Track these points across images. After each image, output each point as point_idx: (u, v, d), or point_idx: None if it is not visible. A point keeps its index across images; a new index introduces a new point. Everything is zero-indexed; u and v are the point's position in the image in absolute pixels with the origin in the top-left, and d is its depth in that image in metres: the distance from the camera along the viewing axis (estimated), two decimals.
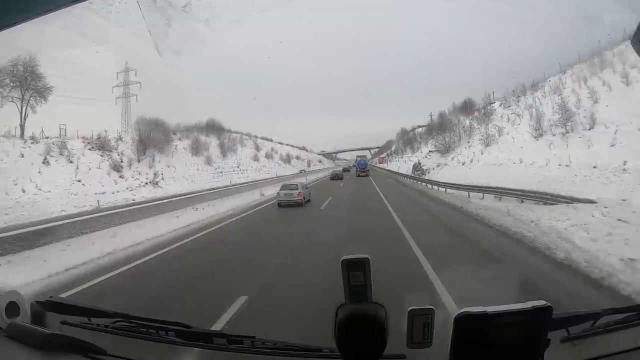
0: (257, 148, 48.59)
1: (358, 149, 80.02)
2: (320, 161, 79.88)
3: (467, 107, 36.34)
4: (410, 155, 45.15)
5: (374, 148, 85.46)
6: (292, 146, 68.60)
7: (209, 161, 33.21)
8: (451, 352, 0.79)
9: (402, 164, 42.29)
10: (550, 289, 4.25)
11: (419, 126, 49.52)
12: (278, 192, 14.42)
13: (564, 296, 4.02)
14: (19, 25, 1.12)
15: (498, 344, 0.77)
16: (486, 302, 0.80)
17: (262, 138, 55.89)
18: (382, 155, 65.66)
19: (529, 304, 0.77)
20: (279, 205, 14.02)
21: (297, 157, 63.39)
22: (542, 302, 0.77)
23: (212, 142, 37.21)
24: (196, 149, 32.84)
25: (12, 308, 1.22)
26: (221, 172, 32.49)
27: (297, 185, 14.91)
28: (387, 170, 47.03)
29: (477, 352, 0.78)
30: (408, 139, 51.79)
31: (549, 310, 0.77)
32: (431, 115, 42.38)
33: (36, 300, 1.31)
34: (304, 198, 14.17)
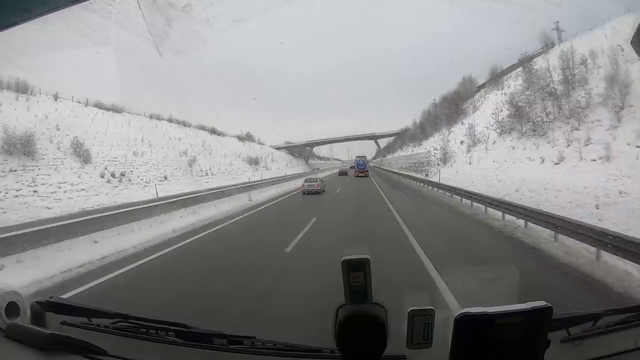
0: None
1: (355, 139, 52.70)
2: (229, 167, 33.30)
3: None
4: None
5: (386, 136, 52.47)
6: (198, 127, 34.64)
7: None
8: (451, 353, 0.79)
9: None
10: None
11: (509, 68, 27.09)
12: (303, 184, 19.42)
13: None
14: (18, 25, 1.12)
15: (498, 345, 0.77)
16: (486, 302, 0.80)
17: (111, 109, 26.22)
18: None
19: (529, 305, 0.77)
20: (303, 193, 18.52)
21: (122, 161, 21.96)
22: (542, 303, 0.77)
23: None
24: None
25: (12, 308, 1.22)
26: None
27: (316, 179, 20.30)
28: None
29: (477, 352, 0.78)
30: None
31: (549, 310, 0.77)
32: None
33: (36, 301, 1.30)
34: (321, 188, 18.97)
